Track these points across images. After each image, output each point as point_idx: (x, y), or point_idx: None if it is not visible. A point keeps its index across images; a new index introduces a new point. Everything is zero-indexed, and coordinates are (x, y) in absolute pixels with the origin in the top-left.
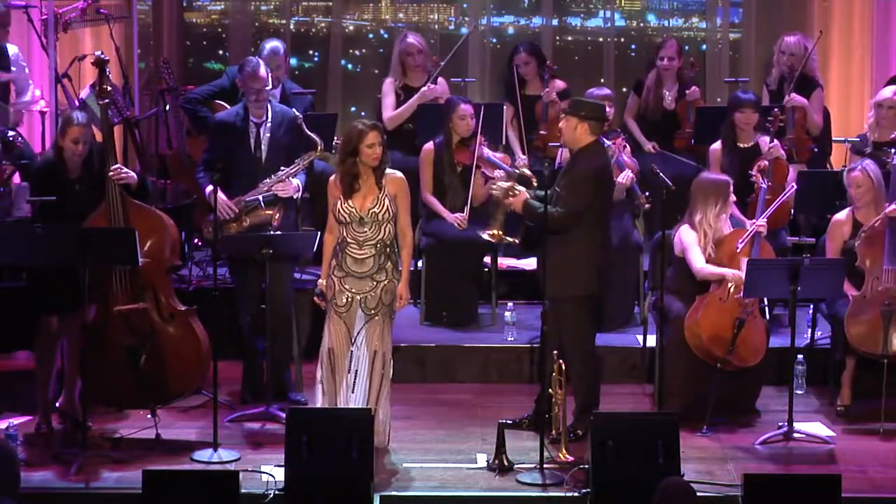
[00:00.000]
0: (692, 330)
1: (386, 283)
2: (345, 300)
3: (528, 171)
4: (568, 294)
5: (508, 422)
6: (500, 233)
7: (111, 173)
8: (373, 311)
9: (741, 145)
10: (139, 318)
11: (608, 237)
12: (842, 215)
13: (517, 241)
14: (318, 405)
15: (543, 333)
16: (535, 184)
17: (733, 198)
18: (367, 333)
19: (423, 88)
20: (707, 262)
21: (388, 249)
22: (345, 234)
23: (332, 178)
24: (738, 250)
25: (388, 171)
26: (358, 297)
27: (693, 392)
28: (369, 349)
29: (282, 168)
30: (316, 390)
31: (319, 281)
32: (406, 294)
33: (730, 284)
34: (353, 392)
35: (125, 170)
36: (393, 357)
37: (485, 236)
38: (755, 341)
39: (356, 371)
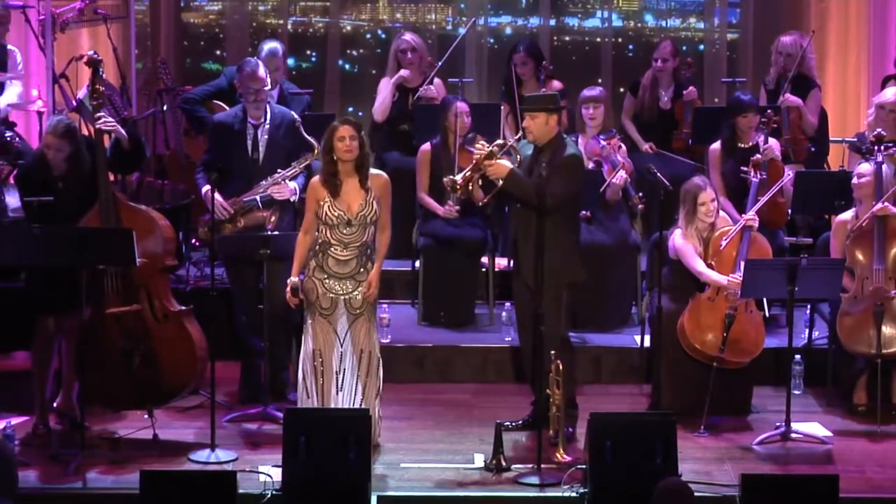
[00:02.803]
0: (684, 333)
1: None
2: (329, 301)
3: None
4: (555, 282)
5: (508, 424)
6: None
7: (99, 124)
8: (358, 311)
9: (741, 146)
10: (132, 319)
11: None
12: (847, 215)
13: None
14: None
15: (540, 334)
16: (518, 158)
17: (711, 200)
18: (353, 333)
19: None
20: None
21: (368, 250)
22: (328, 236)
23: (315, 178)
24: (722, 248)
25: (373, 171)
26: (342, 298)
27: (688, 392)
28: (356, 349)
29: (278, 170)
30: (300, 393)
31: (293, 279)
32: (377, 282)
33: (726, 293)
34: (340, 391)
35: (111, 120)
36: (391, 357)
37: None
38: (749, 335)
39: (343, 370)
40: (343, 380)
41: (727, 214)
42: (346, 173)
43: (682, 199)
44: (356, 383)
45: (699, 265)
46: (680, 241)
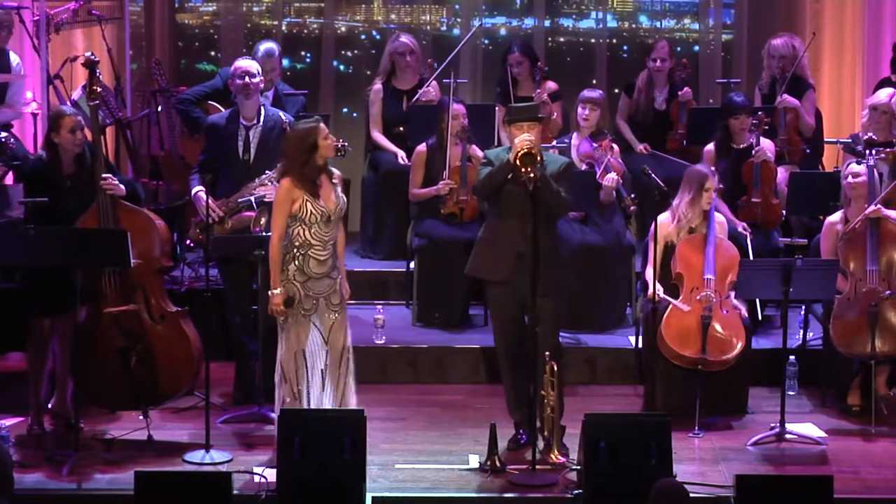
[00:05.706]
0: (664, 342)
1: (340, 279)
2: (310, 303)
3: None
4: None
5: (512, 446)
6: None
7: (103, 183)
8: (336, 308)
9: (735, 147)
10: (129, 319)
11: None
12: (835, 217)
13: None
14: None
15: (535, 335)
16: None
17: (714, 189)
18: (334, 331)
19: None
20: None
21: (334, 247)
22: (308, 236)
23: (286, 181)
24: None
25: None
26: (322, 298)
27: (681, 393)
28: (336, 347)
29: (266, 172)
30: (277, 395)
31: (277, 291)
32: (349, 289)
33: (698, 296)
34: (323, 391)
35: (115, 181)
36: (385, 358)
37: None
38: (728, 335)
39: (322, 370)
40: (325, 379)
41: (722, 215)
42: (321, 171)
43: (687, 182)
44: (337, 381)
45: (649, 264)
46: (663, 218)
